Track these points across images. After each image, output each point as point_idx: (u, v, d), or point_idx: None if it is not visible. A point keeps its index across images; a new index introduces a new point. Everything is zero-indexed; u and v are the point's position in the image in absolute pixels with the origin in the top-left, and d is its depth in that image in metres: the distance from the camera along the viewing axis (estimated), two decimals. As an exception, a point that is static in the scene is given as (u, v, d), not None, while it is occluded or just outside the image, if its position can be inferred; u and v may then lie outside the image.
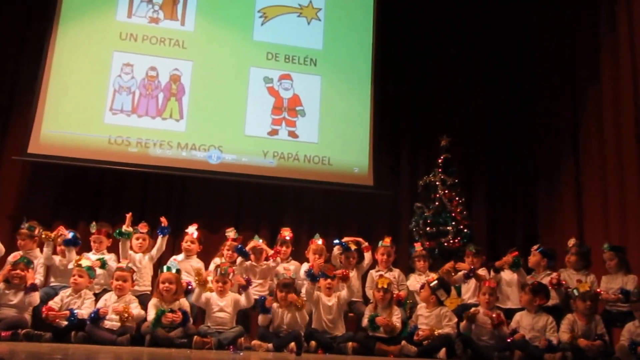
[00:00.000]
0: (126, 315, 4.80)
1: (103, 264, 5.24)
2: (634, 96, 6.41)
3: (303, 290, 5.29)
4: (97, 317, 4.80)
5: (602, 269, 5.46)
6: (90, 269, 5.03)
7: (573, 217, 7.12)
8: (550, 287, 5.15)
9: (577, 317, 4.90)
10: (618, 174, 6.53)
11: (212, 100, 7.23)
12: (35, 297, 4.93)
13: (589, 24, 7.25)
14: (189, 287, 5.26)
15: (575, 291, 4.97)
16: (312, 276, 5.20)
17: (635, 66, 6.45)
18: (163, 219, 5.66)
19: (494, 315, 4.93)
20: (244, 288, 5.07)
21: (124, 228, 5.50)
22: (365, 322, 5.09)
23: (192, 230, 5.82)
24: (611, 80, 6.79)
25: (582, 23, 7.37)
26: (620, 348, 4.60)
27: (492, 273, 5.53)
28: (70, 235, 5.36)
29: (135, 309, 4.91)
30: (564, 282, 5.25)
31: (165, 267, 5.15)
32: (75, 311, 4.82)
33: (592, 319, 4.87)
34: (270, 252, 5.65)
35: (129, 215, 5.61)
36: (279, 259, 5.58)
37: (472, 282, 5.58)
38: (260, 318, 5.05)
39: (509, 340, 4.87)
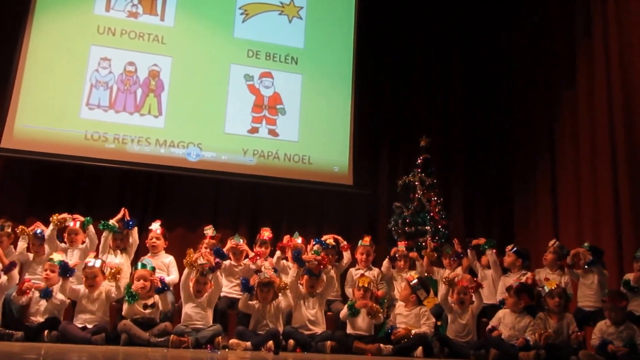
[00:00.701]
0: (114, 273, 4.79)
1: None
2: (608, 100, 6.55)
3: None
4: (67, 269, 4.79)
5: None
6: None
7: (548, 217, 7.25)
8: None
9: (549, 315, 4.97)
10: (592, 175, 6.68)
11: (192, 97, 7.17)
12: (15, 275, 4.86)
13: (565, 29, 7.38)
14: (163, 281, 5.13)
15: (545, 288, 5.05)
16: (299, 260, 5.18)
17: (609, 72, 6.59)
18: (125, 212, 5.56)
19: (472, 286, 5.02)
20: (211, 269, 4.99)
21: (111, 221, 5.42)
22: (344, 311, 5.09)
23: (156, 226, 5.72)
24: (586, 85, 6.93)
25: (559, 29, 7.50)
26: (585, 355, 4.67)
27: (471, 253, 5.72)
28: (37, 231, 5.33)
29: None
30: (538, 282, 5.32)
31: (139, 264, 5.09)
32: (51, 289, 4.79)
33: (562, 316, 4.94)
34: (251, 253, 5.61)
35: (124, 210, 5.56)
36: (259, 262, 5.54)
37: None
38: (242, 298, 5.01)
39: (489, 328, 4.94)
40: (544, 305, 5.07)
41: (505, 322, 5.00)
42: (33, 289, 4.88)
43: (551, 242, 5.66)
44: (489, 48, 8.55)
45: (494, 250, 5.65)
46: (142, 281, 4.88)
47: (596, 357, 4.55)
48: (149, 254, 5.68)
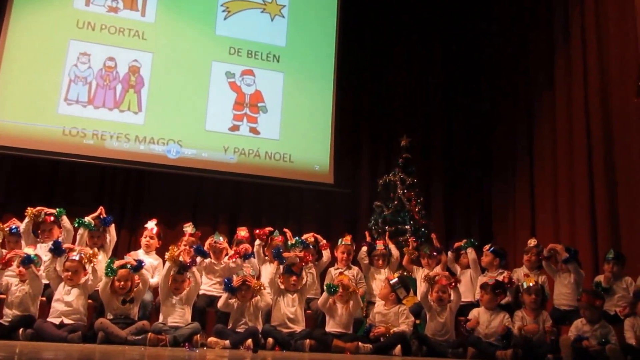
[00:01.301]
0: (90, 257, 4.75)
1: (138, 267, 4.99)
2: (585, 101, 6.66)
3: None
4: (59, 249, 4.78)
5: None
6: (37, 257, 4.86)
7: (526, 217, 7.34)
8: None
9: (525, 312, 5.04)
10: (569, 176, 6.79)
11: (172, 93, 7.12)
12: None
13: (544, 31, 7.48)
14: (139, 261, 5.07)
15: (524, 284, 5.11)
16: (279, 257, 5.17)
17: (587, 72, 6.71)
18: (102, 210, 5.50)
19: (450, 282, 5.08)
20: (186, 267, 4.96)
21: (87, 218, 5.36)
22: (323, 295, 5.10)
23: (152, 225, 5.68)
24: (564, 86, 7.04)
25: (538, 31, 7.60)
26: (565, 340, 4.75)
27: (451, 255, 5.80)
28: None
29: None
30: (515, 281, 5.39)
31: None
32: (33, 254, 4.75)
33: (539, 313, 5.01)
34: (231, 252, 5.59)
35: (101, 208, 5.48)
36: (238, 261, 5.51)
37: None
38: (222, 298, 4.99)
39: (466, 328, 4.99)
40: (521, 301, 5.14)
41: (480, 320, 5.04)
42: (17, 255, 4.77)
43: (532, 243, 5.72)
44: (469, 49, 8.64)
45: (472, 250, 5.71)
46: (122, 282, 4.83)
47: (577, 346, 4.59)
48: (138, 251, 5.61)
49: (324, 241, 5.87)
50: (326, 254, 5.80)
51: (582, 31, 6.83)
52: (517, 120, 7.79)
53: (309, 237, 5.83)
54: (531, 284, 5.06)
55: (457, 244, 5.84)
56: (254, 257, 5.62)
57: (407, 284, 5.38)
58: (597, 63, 6.59)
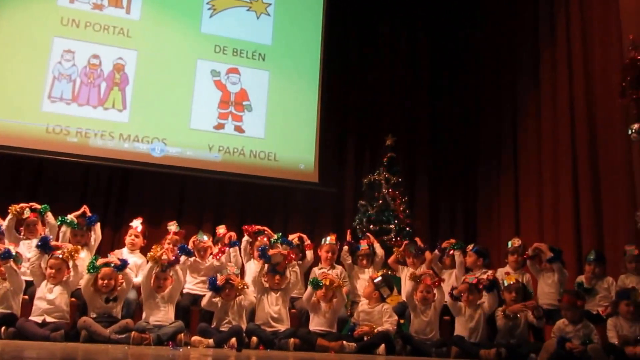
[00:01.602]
0: (71, 252, 4.72)
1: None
2: (570, 102, 6.73)
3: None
4: (47, 245, 4.76)
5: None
6: (17, 254, 4.81)
7: (511, 217, 7.40)
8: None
9: (504, 310, 5.08)
10: (553, 176, 6.86)
11: (157, 91, 7.08)
12: None
13: (529, 32, 7.55)
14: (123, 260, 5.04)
15: (504, 282, 5.16)
16: (265, 256, 5.17)
17: (571, 74, 6.77)
18: (85, 208, 5.46)
19: (435, 281, 5.11)
20: (169, 264, 4.94)
21: (70, 217, 5.31)
22: (309, 289, 5.11)
23: (137, 223, 5.63)
24: (549, 86, 7.10)
25: (524, 31, 7.65)
26: (548, 345, 4.79)
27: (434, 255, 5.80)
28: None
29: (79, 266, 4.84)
30: (499, 280, 5.42)
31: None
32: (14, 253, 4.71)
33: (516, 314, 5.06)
34: (215, 250, 5.57)
35: (85, 207, 5.44)
36: (223, 259, 5.50)
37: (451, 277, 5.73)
38: (206, 297, 4.98)
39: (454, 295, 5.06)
40: (503, 299, 5.19)
41: (464, 317, 5.07)
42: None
43: (516, 243, 5.75)
44: (455, 49, 8.68)
45: (460, 253, 5.71)
46: (106, 280, 4.79)
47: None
48: (122, 250, 5.57)
49: (309, 242, 5.86)
50: (309, 255, 5.79)
51: (568, 32, 6.90)
52: (503, 120, 7.84)
53: (294, 237, 5.82)
54: (511, 282, 5.11)
55: (445, 244, 5.83)
56: (239, 245, 5.62)
57: (391, 282, 5.40)
58: (582, 63, 6.66)
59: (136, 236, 5.59)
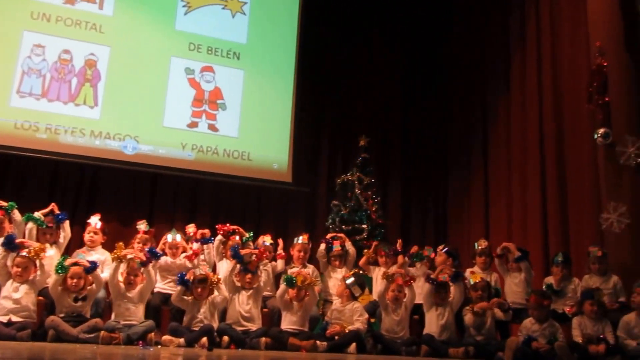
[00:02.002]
0: (37, 251, 4.63)
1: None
2: (539, 106, 6.88)
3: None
4: (12, 243, 4.69)
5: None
6: None
7: (480, 217, 7.53)
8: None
9: (472, 308, 5.18)
10: (522, 179, 7.02)
11: (130, 88, 7.00)
12: None
13: (500, 38, 7.73)
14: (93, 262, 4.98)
15: (470, 281, 5.25)
16: (237, 256, 5.16)
17: (540, 79, 6.93)
18: (54, 206, 5.38)
19: (406, 280, 5.16)
20: (142, 264, 4.90)
21: (37, 214, 5.21)
22: (282, 285, 5.12)
23: (95, 220, 5.53)
24: (519, 91, 7.25)
25: (495, 37, 7.83)
26: (511, 342, 4.89)
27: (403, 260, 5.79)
28: None
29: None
30: (466, 280, 5.52)
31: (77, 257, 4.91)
32: None
33: (484, 311, 5.15)
34: (189, 250, 5.52)
35: (53, 205, 5.34)
36: (196, 261, 5.46)
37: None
38: (176, 292, 4.95)
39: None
40: (469, 298, 5.28)
41: (432, 318, 5.15)
42: None
43: (483, 244, 5.85)
44: (429, 53, 8.81)
45: (426, 263, 5.75)
46: (75, 280, 4.73)
47: None
48: (84, 248, 5.49)
49: (282, 252, 5.84)
50: (281, 264, 5.79)
51: (537, 39, 7.07)
52: (473, 123, 7.97)
53: (265, 239, 5.83)
54: (477, 281, 5.21)
55: (413, 250, 5.89)
56: (212, 243, 5.61)
57: (363, 282, 5.44)
58: (551, 69, 6.83)
59: (95, 233, 5.49)
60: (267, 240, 5.83)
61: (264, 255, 5.32)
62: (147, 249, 5.16)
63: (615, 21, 5.83)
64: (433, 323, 5.10)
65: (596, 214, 5.76)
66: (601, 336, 4.74)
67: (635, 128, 5.65)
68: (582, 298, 5.03)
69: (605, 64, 5.74)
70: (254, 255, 5.22)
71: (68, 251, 5.60)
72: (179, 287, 4.97)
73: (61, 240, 5.34)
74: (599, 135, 5.70)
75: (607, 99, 5.70)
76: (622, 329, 4.81)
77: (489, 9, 7.96)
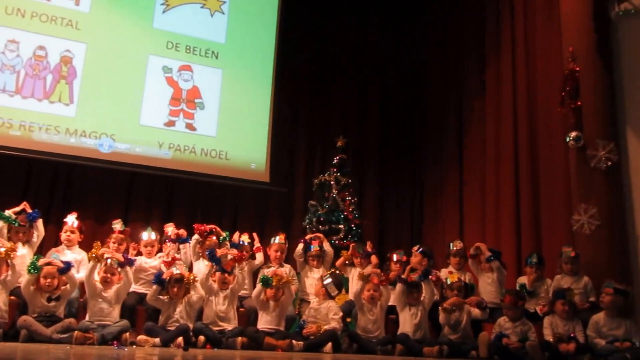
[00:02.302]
0: (7, 251, 4.58)
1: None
2: (513, 109, 7.00)
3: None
4: None
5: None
6: None
7: (455, 218, 7.62)
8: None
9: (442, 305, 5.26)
10: (496, 182, 7.12)
11: (107, 86, 6.93)
12: None
13: (476, 43, 7.82)
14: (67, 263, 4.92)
15: (447, 280, 5.32)
16: (214, 258, 5.14)
17: (515, 83, 7.05)
18: (25, 205, 5.30)
19: (382, 280, 5.22)
20: (120, 265, 4.88)
21: (7, 212, 5.12)
22: (258, 286, 5.12)
23: (72, 219, 5.47)
24: (494, 94, 7.36)
25: (471, 42, 7.93)
26: (482, 337, 4.99)
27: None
28: None
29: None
30: (442, 280, 5.59)
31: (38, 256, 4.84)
32: None
33: (461, 307, 5.24)
34: (166, 252, 5.48)
35: (25, 203, 5.25)
36: (174, 268, 5.42)
37: None
38: (151, 291, 4.92)
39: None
40: (446, 297, 5.35)
41: (405, 317, 5.21)
42: None
43: (458, 245, 5.94)
44: (405, 56, 8.90)
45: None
46: (49, 279, 4.67)
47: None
48: (59, 247, 5.41)
49: (259, 244, 5.87)
50: (259, 257, 5.81)
51: (512, 43, 7.18)
52: (449, 125, 8.07)
53: (243, 237, 5.82)
54: (454, 280, 5.29)
55: (389, 255, 5.95)
56: (189, 243, 5.59)
57: (340, 282, 5.48)
58: (525, 73, 6.94)
59: (72, 232, 5.43)
60: (244, 239, 5.83)
61: (242, 255, 5.32)
62: (123, 255, 5.10)
63: (587, 27, 5.96)
64: (407, 323, 5.16)
65: (568, 215, 5.87)
66: (571, 335, 4.85)
67: (606, 132, 5.78)
68: (554, 298, 5.14)
69: (578, 69, 5.87)
70: (231, 256, 5.21)
71: (42, 250, 5.54)
72: (154, 286, 4.94)
73: (34, 239, 5.27)
74: (571, 138, 5.82)
75: (579, 103, 5.82)
76: (591, 328, 4.93)
77: (465, 13, 8.06)
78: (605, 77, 5.90)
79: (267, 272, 5.61)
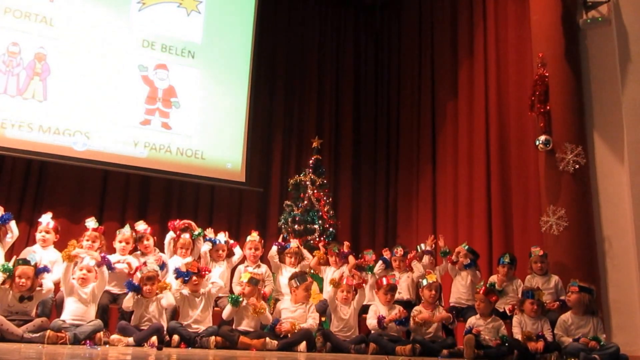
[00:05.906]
0: None
1: None
2: (485, 112, 7.14)
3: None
4: None
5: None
6: None
7: (428, 218, 7.75)
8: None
9: (423, 306, 5.37)
10: (468, 181, 7.26)
11: (81, 84, 6.86)
12: None
13: (450, 47, 7.96)
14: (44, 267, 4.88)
15: (424, 281, 5.41)
16: (181, 274, 5.12)
17: (487, 87, 7.22)
18: None
19: (357, 282, 5.31)
20: (98, 264, 4.86)
21: None
22: (227, 308, 5.12)
23: (47, 219, 5.39)
24: (467, 98, 7.51)
25: (444, 46, 8.06)
26: (468, 340, 5.10)
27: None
28: None
29: None
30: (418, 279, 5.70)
31: (20, 260, 4.77)
32: None
33: (435, 306, 5.37)
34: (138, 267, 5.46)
35: None
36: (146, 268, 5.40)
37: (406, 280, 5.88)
38: (127, 299, 4.91)
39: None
40: (421, 296, 5.44)
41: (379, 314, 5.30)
42: None
43: (429, 245, 6.06)
44: (380, 58, 9.02)
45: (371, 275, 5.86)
46: (24, 279, 4.62)
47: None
48: (34, 247, 5.35)
49: (234, 241, 5.91)
50: (238, 251, 5.85)
51: (485, 48, 7.35)
52: (423, 127, 8.19)
53: (221, 236, 5.85)
54: (432, 281, 5.38)
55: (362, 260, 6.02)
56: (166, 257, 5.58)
57: (304, 276, 5.47)
58: (497, 77, 7.11)
59: (47, 232, 5.35)
60: (220, 238, 5.84)
61: (219, 253, 5.33)
62: (103, 255, 5.07)
63: (556, 35, 6.12)
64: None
65: (539, 216, 6.02)
66: (540, 333, 4.98)
67: (574, 136, 5.94)
68: (523, 297, 5.26)
69: (547, 74, 6.02)
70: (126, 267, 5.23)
71: (13, 249, 5.47)
72: (130, 293, 4.91)
73: (8, 239, 5.19)
74: (540, 142, 5.97)
75: (548, 107, 5.98)
76: (559, 327, 5.06)
77: (439, 18, 8.20)
78: (573, 82, 6.06)
79: (242, 271, 5.65)
